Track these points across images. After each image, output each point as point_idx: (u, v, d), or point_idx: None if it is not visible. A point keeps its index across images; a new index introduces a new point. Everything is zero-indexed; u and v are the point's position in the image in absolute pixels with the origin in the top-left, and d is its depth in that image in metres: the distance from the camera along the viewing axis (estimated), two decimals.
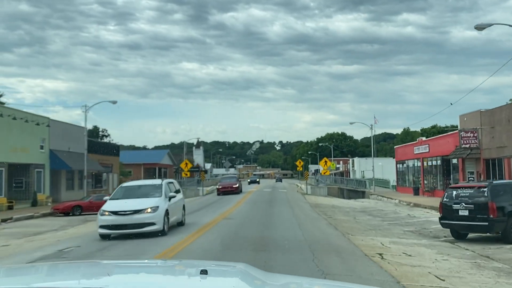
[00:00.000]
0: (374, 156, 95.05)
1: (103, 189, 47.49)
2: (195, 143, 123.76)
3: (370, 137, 52.00)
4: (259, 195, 43.32)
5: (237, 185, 45.17)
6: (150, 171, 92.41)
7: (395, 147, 56.15)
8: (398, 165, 51.38)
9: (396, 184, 52.52)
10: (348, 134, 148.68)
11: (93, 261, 5.83)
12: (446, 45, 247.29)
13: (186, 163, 46.21)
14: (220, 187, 45.30)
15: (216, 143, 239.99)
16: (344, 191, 64.76)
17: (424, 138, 43.27)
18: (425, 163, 42.52)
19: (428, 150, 41.32)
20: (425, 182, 42.54)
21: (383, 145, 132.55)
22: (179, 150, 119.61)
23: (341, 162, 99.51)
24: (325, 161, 45.23)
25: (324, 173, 46.67)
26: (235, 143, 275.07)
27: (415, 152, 44.70)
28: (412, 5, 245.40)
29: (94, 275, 3.07)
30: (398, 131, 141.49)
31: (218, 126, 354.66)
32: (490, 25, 21.14)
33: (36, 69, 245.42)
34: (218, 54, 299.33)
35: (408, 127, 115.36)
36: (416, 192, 42.18)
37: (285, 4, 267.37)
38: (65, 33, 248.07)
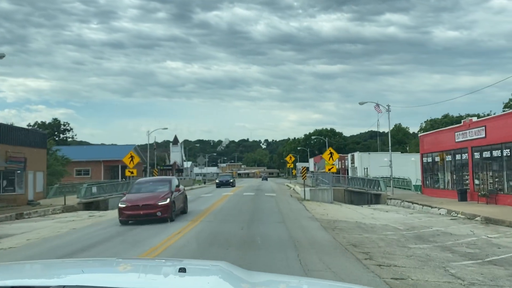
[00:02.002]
0: (379, 151, 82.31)
1: (16, 193, 33.40)
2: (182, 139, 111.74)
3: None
4: (232, 207, 27.05)
5: (167, 202, 19.73)
6: (112, 169, 78.27)
7: (419, 134, 42.79)
8: (424, 158, 38.05)
9: (421, 184, 39.21)
10: (337, 131, 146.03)
11: (71, 260, 6.37)
12: (429, 45, 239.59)
13: (132, 157, 31.36)
14: (125, 205, 19.77)
15: (200, 142, 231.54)
16: (345, 193, 51.70)
17: (475, 119, 29.82)
18: (476, 155, 29.29)
19: (484, 135, 28.01)
20: (476, 182, 29.33)
21: (371, 142, 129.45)
22: (159, 148, 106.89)
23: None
24: (330, 153, 31.34)
25: (330, 169, 32.46)
26: (220, 141, 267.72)
27: (457, 140, 31.40)
28: (394, 5, 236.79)
29: (69, 273, 2.93)
30: (384, 129, 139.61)
31: (203, 125, 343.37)
32: None
33: (18, 68, 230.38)
34: (202, 53, 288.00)
35: (399, 123, 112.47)
36: (463, 196, 28.96)
37: (269, 3, 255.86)
38: (47, 32, 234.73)
